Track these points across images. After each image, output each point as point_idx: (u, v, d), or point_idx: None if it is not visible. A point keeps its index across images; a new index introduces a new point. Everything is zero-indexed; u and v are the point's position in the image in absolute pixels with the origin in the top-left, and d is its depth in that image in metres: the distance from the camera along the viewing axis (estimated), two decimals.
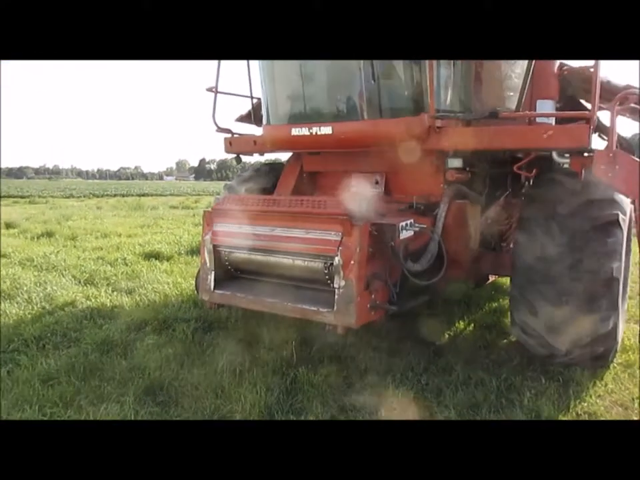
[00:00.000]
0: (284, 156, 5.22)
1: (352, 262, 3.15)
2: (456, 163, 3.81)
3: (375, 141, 3.83)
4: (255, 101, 4.95)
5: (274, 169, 5.23)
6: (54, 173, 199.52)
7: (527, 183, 5.27)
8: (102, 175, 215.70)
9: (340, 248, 3.19)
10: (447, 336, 4.59)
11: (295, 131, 4.02)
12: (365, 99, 3.81)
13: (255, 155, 5.27)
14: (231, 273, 3.93)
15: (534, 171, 3.64)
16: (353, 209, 3.22)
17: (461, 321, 4.90)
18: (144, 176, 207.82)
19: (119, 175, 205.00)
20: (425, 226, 3.61)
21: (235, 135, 5.01)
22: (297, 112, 4.15)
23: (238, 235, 3.68)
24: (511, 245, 4.96)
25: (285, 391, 3.43)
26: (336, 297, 3.22)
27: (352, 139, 3.88)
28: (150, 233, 11.03)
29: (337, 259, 3.20)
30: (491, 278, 5.04)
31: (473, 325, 4.87)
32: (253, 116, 4.96)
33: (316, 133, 3.91)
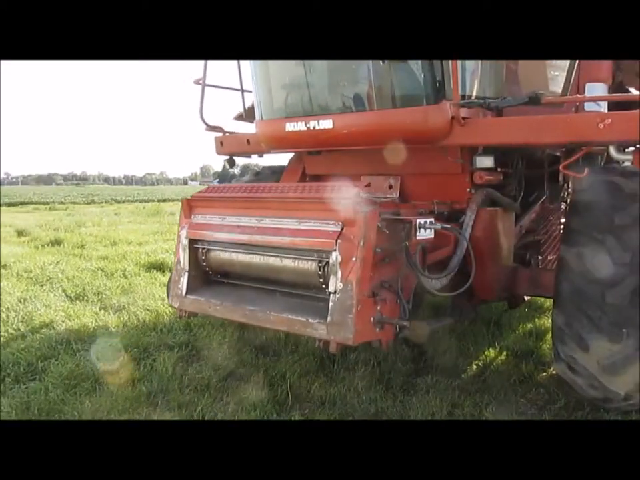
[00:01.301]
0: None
1: (353, 259, 2.47)
2: (486, 162, 3.11)
3: (386, 137, 3.16)
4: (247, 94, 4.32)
5: (276, 172, 4.61)
6: (82, 180, 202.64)
7: (565, 185, 4.59)
8: (128, 180, 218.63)
9: (339, 241, 2.52)
10: (474, 367, 3.89)
11: (290, 126, 3.37)
12: (372, 84, 3.16)
13: (253, 156, 4.67)
14: (208, 275, 3.31)
15: (585, 171, 2.91)
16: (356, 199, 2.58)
17: (490, 348, 4.19)
18: (169, 181, 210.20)
19: (144, 181, 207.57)
20: (448, 226, 2.93)
21: (227, 134, 4.39)
22: (292, 103, 3.51)
23: (218, 228, 3.08)
24: (549, 258, 4.30)
25: None
26: (330, 303, 2.54)
27: (357, 134, 3.23)
28: (162, 241, 10.60)
29: (334, 254, 2.53)
30: (527, 297, 4.32)
31: (505, 352, 4.15)
32: (246, 111, 4.31)
33: (314, 128, 3.27)
